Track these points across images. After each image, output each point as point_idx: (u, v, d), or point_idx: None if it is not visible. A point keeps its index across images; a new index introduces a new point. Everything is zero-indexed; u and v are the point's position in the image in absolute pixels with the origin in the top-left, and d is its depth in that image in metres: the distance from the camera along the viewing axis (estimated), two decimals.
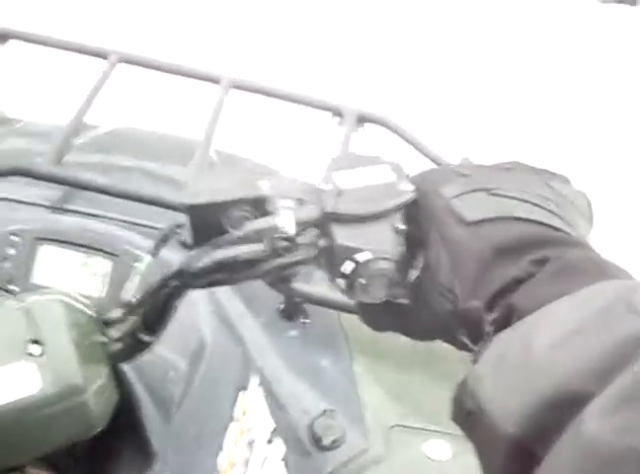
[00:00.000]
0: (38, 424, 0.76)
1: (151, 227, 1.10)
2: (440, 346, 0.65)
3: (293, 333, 1.11)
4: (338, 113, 1.41)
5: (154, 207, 1.10)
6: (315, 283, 1.10)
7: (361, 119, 1.40)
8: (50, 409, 0.75)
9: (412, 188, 0.65)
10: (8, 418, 0.74)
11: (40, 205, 1.16)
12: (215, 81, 1.34)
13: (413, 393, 1.08)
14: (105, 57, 1.30)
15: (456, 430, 0.54)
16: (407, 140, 1.34)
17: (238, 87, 1.35)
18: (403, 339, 0.70)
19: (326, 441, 1.00)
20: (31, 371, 0.75)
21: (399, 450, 0.99)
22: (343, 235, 0.64)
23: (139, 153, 1.44)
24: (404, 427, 1.02)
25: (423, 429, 1.02)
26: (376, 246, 0.64)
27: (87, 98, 1.25)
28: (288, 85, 1.39)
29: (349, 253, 0.63)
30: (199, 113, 1.38)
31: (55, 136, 1.20)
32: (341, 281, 0.65)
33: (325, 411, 1.02)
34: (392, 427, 1.02)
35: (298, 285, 1.10)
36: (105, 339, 0.82)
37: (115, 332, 0.83)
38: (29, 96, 3.24)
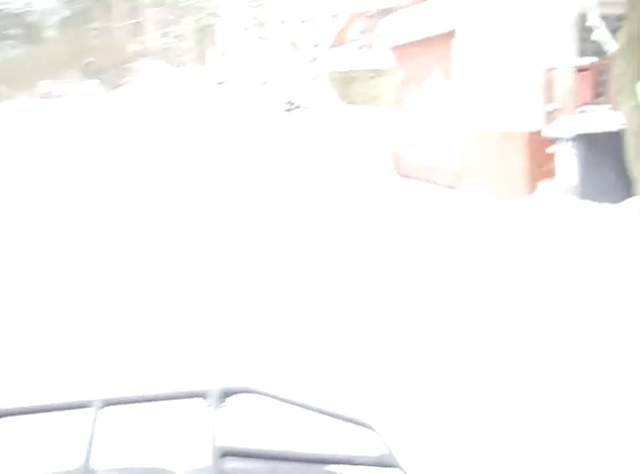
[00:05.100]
0: None
1: None
2: None
3: None
4: (202, 395, 1.47)
5: None
6: None
7: (226, 394, 1.47)
8: None
9: None
10: None
11: None
12: (87, 405, 1.37)
13: None
14: None
15: None
16: (281, 400, 1.42)
17: (110, 404, 1.39)
18: None
19: None
20: None
21: None
22: None
23: None
24: None
25: None
26: None
27: None
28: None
29: None
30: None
31: None
32: None
33: None
34: None
35: None
36: None
37: None
38: None
